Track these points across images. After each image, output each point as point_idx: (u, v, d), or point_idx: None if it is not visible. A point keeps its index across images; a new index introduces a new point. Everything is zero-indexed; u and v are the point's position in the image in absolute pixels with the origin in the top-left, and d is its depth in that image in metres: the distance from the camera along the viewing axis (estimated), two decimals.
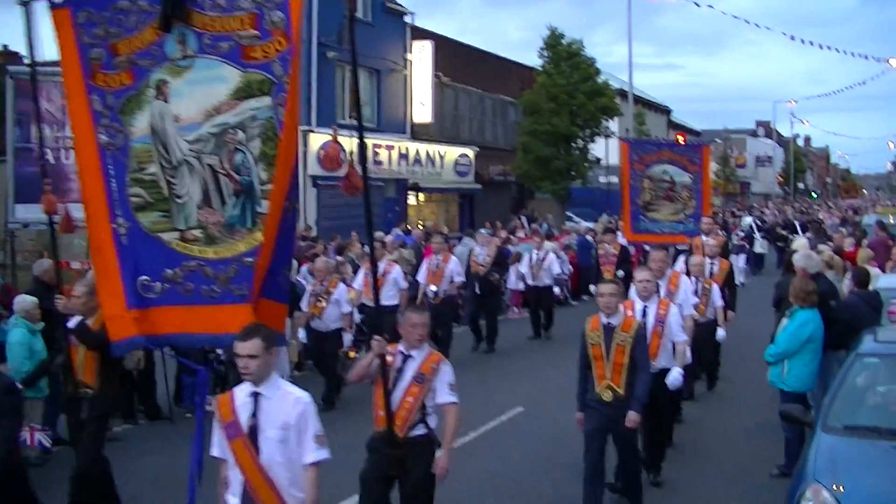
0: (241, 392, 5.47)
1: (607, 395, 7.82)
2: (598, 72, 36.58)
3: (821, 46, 45.25)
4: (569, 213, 36.76)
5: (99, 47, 6.39)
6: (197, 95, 6.32)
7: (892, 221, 25.81)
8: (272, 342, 5.40)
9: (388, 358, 6.52)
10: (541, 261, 18.43)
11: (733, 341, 13.83)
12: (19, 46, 26.20)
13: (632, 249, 17.98)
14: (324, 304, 12.67)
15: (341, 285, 13.02)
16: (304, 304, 12.93)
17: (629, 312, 8.66)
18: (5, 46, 27.53)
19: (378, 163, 29.04)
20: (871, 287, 11.47)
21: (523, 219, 34.76)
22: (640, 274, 9.24)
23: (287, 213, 6.22)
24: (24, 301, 10.21)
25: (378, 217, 28.22)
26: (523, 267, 18.75)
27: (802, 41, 62.35)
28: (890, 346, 8.10)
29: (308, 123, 26.23)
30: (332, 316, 12.71)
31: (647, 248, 15.08)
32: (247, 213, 6.35)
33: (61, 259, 22.25)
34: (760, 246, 31.46)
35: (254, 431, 5.35)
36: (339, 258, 16.60)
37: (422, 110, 32.22)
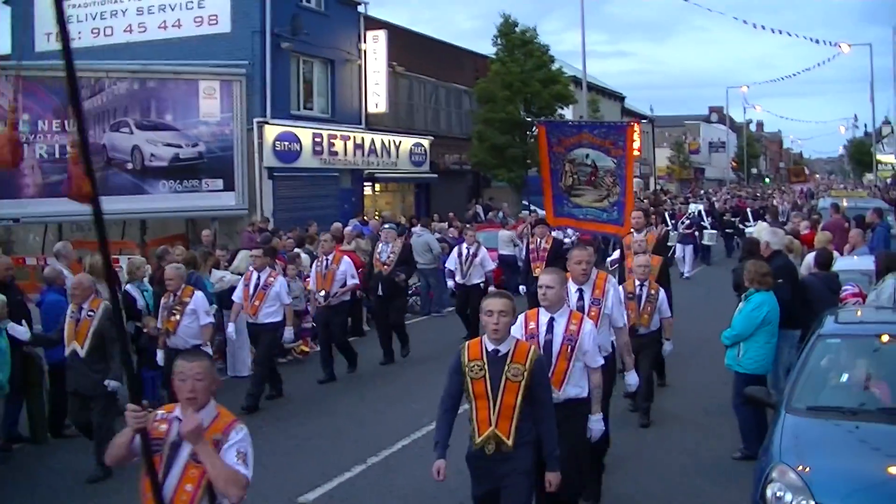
0: None
1: (490, 448, 5.93)
2: (552, 59, 36.58)
3: (772, 31, 45.73)
4: (525, 202, 36.74)
5: None
6: None
7: (845, 204, 26.09)
8: None
9: (161, 428, 4.70)
10: (472, 256, 16.25)
11: (685, 325, 13.83)
12: None
13: (567, 239, 17.03)
14: (178, 317, 10.90)
15: (198, 294, 11.19)
16: (159, 321, 11.30)
17: (531, 325, 6.95)
18: None
19: (333, 153, 28.82)
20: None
21: (479, 208, 34.79)
22: (543, 278, 7.00)
23: None
24: None
25: (334, 208, 28.11)
26: (451, 262, 16.71)
27: (754, 25, 63.06)
28: (850, 327, 8.18)
29: (262, 115, 25.93)
30: (188, 331, 10.96)
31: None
32: None
33: (17, 255, 22.10)
34: (708, 238, 29.88)
35: None
36: (298, 250, 16.46)
37: (376, 100, 32.01)
